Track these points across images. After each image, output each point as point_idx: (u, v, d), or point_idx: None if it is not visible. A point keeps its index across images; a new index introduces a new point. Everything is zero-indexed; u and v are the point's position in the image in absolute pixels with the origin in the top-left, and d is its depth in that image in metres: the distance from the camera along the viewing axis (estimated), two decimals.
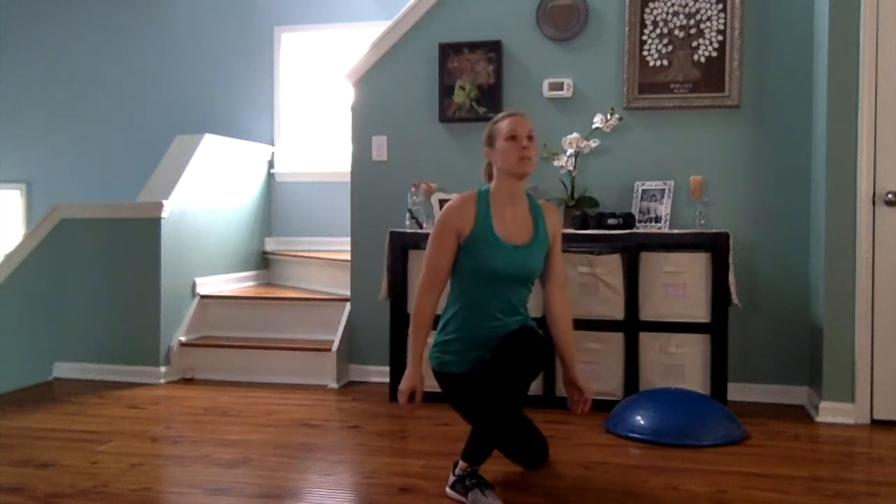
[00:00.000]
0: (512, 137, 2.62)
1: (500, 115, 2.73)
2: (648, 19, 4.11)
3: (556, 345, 2.76)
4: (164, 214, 4.53)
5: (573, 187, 4.06)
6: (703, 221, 3.96)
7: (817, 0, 3.87)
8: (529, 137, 2.64)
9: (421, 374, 2.64)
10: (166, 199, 4.57)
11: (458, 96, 4.31)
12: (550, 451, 2.94)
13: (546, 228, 2.72)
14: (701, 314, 3.71)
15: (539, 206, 2.75)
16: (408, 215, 4.17)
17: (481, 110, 4.29)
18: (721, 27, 4.03)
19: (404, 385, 2.62)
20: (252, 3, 6.09)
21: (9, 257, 4.47)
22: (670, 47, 4.09)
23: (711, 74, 4.04)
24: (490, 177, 2.74)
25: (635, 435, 3.29)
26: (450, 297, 2.73)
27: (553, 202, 4.12)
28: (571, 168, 4.03)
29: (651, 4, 4.10)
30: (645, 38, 4.11)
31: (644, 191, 4.06)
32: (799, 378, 3.97)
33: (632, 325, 3.78)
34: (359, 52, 4.51)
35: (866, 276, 3.55)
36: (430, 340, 2.71)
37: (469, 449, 2.57)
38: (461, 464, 2.58)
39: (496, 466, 2.87)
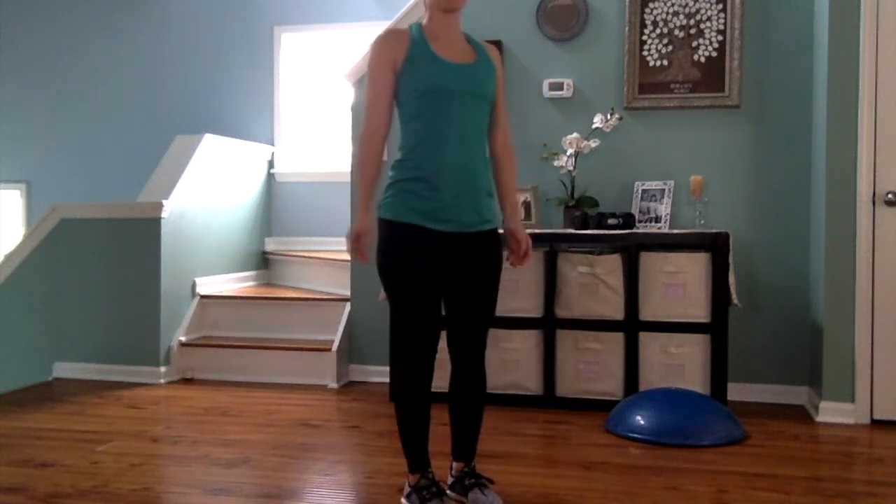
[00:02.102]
0: None
1: None
2: (648, 19, 4.11)
3: (499, 193, 2.59)
4: (164, 214, 4.53)
5: (573, 187, 4.06)
6: (703, 221, 3.96)
7: (817, 0, 3.87)
8: None
9: (368, 221, 2.41)
10: (166, 199, 4.57)
11: None
12: (550, 451, 2.93)
13: (489, 59, 2.49)
14: (701, 314, 3.71)
15: (479, 42, 2.52)
16: None
17: None
18: (721, 27, 4.03)
19: (350, 230, 2.40)
20: (252, 3, 6.09)
21: (9, 257, 4.47)
22: (670, 47, 4.09)
23: (711, 74, 4.04)
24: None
25: (635, 435, 3.29)
26: (402, 142, 2.45)
27: (554, 201, 4.14)
28: (571, 168, 4.03)
29: (651, 4, 4.10)
30: (645, 38, 4.11)
31: (644, 191, 4.06)
32: (799, 378, 3.97)
33: (632, 325, 3.78)
34: (359, 52, 4.51)
35: (866, 276, 3.55)
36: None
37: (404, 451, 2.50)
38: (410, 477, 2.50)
39: (495, 466, 2.87)
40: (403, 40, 2.39)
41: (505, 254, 2.57)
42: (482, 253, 2.46)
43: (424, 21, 2.46)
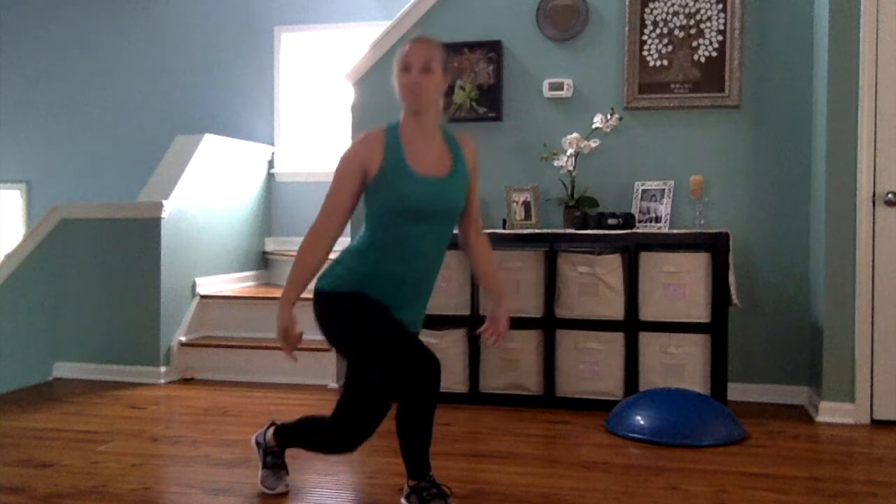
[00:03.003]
0: (405, 69, 2.32)
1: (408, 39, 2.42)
2: (648, 19, 4.11)
3: (482, 281, 2.60)
4: (164, 214, 4.53)
5: (573, 187, 4.06)
6: (703, 221, 3.96)
7: (817, 0, 3.87)
8: (426, 69, 2.30)
9: (294, 314, 2.36)
10: (166, 199, 4.57)
11: (459, 96, 4.31)
12: (550, 451, 2.93)
13: (465, 161, 2.44)
14: (701, 314, 3.71)
15: (455, 139, 2.46)
16: None
17: (481, 110, 4.29)
18: (721, 27, 4.02)
19: (278, 325, 2.33)
20: (252, 3, 6.09)
21: (9, 257, 4.47)
22: (670, 47, 4.09)
23: (711, 74, 4.04)
24: None
25: (635, 435, 3.29)
26: (363, 233, 2.43)
27: (554, 201, 4.14)
28: (571, 168, 4.03)
29: (651, 4, 4.10)
30: (645, 38, 4.11)
31: (644, 191, 4.06)
32: (799, 378, 3.97)
33: (632, 325, 3.78)
34: (359, 52, 4.51)
35: (866, 276, 3.55)
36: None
37: (295, 428, 2.60)
38: (271, 436, 2.66)
39: (495, 466, 2.87)
40: (378, 148, 2.34)
41: (480, 330, 2.62)
42: None
43: (401, 119, 2.40)
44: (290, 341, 2.35)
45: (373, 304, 2.37)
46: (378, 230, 2.38)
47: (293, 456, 3.08)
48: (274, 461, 2.69)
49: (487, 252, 2.59)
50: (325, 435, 2.48)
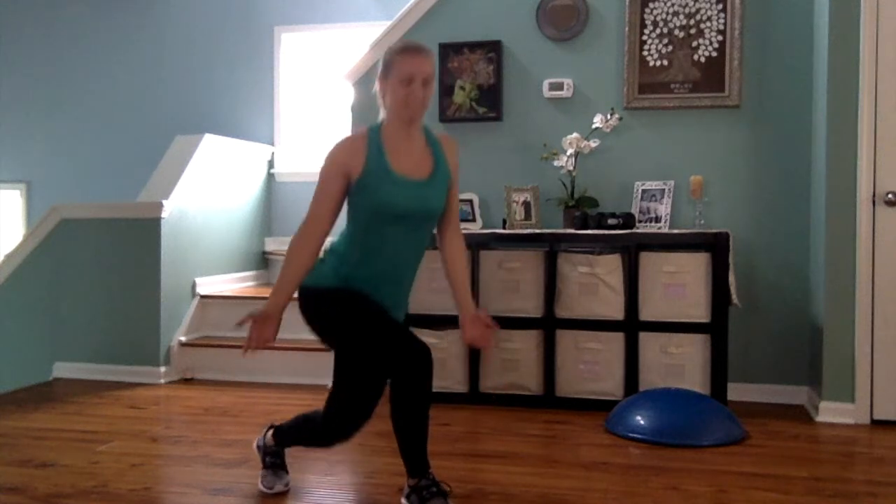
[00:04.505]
0: (406, 81, 2.34)
1: (400, 45, 2.43)
2: (648, 19, 4.11)
3: (452, 286, 2.58)
4: (164, 214, 4.53)
5: (573, 187, 4.06)
6: (703, 221, 3.96)
7: (817, 0, 3.87)
8: (425, 82, 2.35)
9: (281, 310, 2.42)
10: (166, 199, 4.57)
11: (458, 96, 4.31)
12: (550, 451, 2.93)
13: (446, 163, 2.48)
14: (701, 314, 3.71)
15: (437, 140, 2.51)
16: None
17: (481, 110, 4.29)
18: (721, 27, 4.03)
19: (259, 311, 2.38)
20: (252, 3, 6.09)
21: (9, 257, 4.47)
22: (670, 47, 4.09)
23: (711, 74, 4.04)
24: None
25: (635, 435, 3.29)
26: (345, 233, 2.48)
27: (554, 201, 4.14)
28: (571, 168, 4.03)
29: (651, 4, 4.10)
30: (645, 38, 4.11)
31: (644, 191, 4.06)
32: (799, 378, 3.97)
33: (632, 325, 3.78)
34: (359, 52, 4.51)
35: (866, 276, 3.55)
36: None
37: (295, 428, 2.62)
38: (270, 437, 2.68)
39: (495, 466, 2.87)
40: (361, 151, 2.38)
41: (467, 343, 2.61)
42: None
43: (384, 121, 2.44)
44: (261, 335, 2.38)
45: (357, 294, 2.43)
46: (359, 231, 2.43)
47: (294, 456, 3.08)
48: (272, 461, 2.70)
49: (461, 253, 2.60)
50: (322, 427, 2.51)
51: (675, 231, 3.84)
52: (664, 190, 4.01)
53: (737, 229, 3.99)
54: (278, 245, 5.89)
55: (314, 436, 2.58)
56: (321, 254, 2.50)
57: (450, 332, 3.91)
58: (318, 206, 2.42)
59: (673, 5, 4.08)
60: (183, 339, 4.64)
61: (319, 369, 4.41)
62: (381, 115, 2.47)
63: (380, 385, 2.43)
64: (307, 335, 5.02)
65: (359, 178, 2.37)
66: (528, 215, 4.11)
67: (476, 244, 3.91)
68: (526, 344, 3.87)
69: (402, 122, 2.41)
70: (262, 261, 5.82)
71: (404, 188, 2.38)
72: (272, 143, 5.98)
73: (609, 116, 4.02)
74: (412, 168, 2.41)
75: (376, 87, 2.46)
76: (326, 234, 2.44)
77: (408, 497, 2.45)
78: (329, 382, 4.38)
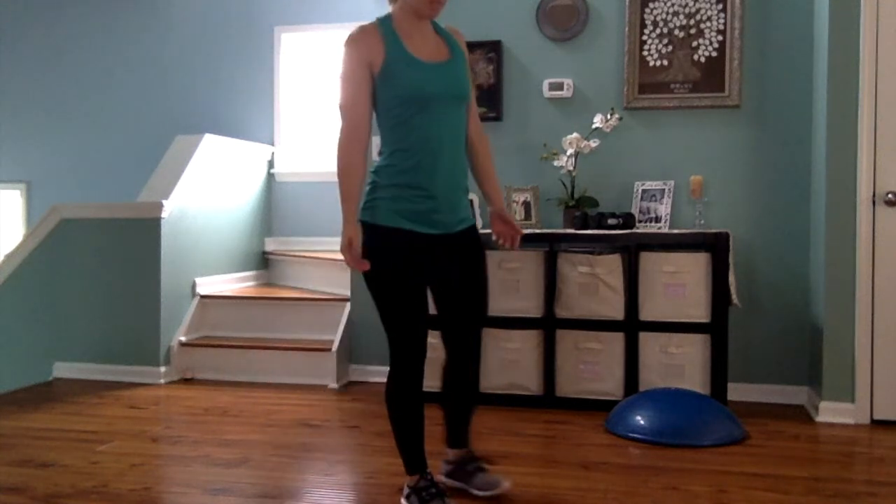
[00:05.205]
0: None
1: None
2: (648, 19, 4.11)
3: (479, 178, 2.59)
4: (164, 214, 4.53)
5: (573, 187, 4.06)
6: (703, 221, 3.96)
7: (817, 0, 3.87)
8: None
9: (357, 227, 2.36)
10: (166, 199, 4.57)
11: None
12: (550, 451, 2.93)
13: (462, 53, 2.50)
14: (701, 314, 3.71)
15: (444, 29, 2.51)
16: None
17: (481, 110, 4.28)
18: (721, 27, 4.02)
19: (342, 239, 2.33)
20: (252, 3, 6.09)
21: (9, 257, 4.47)
22: (670, 47, 4.09)
23: (711, 74, 4.04)
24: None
25: (635, 435, 3.29)
26: (383, 146, 2.44)
27: (554, 201, 4.14)
28: (571, 168, 4.03)
29: (651, 4, 4.10)
30: (645, 38, 4.11)
31: (644, 191, 4.06)
32: (799, 378, 3.97)
33: (632, 325, 3.78)
34: None
35: (866, 276, 3.55)
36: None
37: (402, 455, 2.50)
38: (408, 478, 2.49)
39: (495, 466, 2.87)
40: (378, 40, 2.33)
41: (494, 237, 2.64)
42: (468, 249, 2.50)
43: (394, 14, 2.40)
44: (353, 254, 2.31)
45: (404, 248, 2.36)
46: (392, 132, 2.38)
47: (294, 456, 3.08)
48: (429, 494, 2.43)
49: (488, 151, 2.60)
50: (389, 382, 2.49)
51: (675, 231, 3.84)
52: (664, 190, 4.01)
53: (737, 229, 3.99)
54: (278, 245, 5.89)
55: (391, 403, 2.51)
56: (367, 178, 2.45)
57: None
58: (351, 107, 2.36)
59: (673, 5, 4.08)
60: (183, 338, 4.64)
61: (319, 369, 4.41)
62: (391, 8, 2.43)
63: (415, 342, 2.41)
64: (307, 335, 5.01)
65: (382, 68, 2.33)
66: (528, 215, 4.11)
67: None
68: (526, 344, 3.87)
69: (419, 17, 2.38)
70: (262, 261, 5.82)
71: (428, 71, 2.35)
72: (272, 143, 5.98)
73: (609, 116, 4.02)
74: (431, 52, 2.39)
75: None
76: (368, 135, 2.38)
77: (407, 497, 2.47)
78: (329, 383, 4.41)
